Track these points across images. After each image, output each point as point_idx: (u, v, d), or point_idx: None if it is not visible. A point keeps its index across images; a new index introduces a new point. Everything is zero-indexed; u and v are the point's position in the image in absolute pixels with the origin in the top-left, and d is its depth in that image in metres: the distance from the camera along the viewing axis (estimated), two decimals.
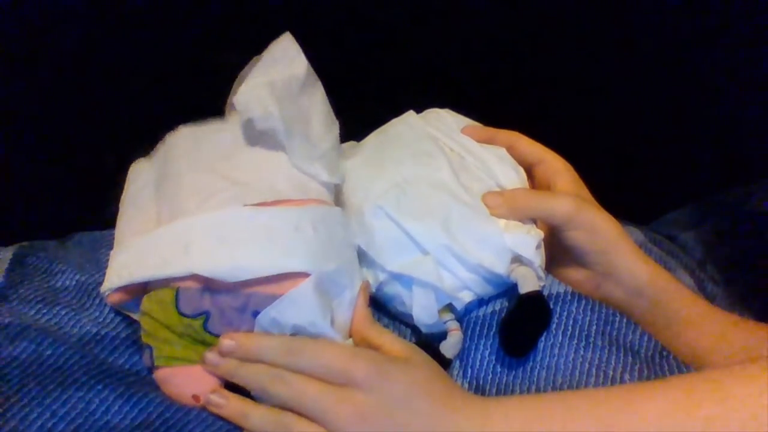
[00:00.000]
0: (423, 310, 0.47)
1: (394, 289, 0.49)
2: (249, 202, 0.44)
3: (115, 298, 0.45)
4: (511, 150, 0.53)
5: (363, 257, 0.50)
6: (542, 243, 0.49)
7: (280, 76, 0.48)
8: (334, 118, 0.52)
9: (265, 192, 0.45)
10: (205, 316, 0.43)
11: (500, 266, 0.47)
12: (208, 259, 0.42)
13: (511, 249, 0.47)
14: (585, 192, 0.53)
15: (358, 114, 0.55)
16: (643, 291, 0.49)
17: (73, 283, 0.51)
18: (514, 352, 0.46)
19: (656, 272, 0.49)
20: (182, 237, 0.43)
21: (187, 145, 0.49)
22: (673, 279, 0.50)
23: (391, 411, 0.40)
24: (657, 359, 0.48)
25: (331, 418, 0.40)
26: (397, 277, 0.48)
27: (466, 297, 0.48)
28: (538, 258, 0.48)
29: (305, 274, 0.44)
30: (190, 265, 0.42)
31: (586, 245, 0.49)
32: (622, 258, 0.49)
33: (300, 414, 0.41)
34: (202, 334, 0.43)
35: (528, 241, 0.48)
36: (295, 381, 0.41)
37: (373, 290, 0.50)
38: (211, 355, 0.43)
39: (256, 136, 0.48)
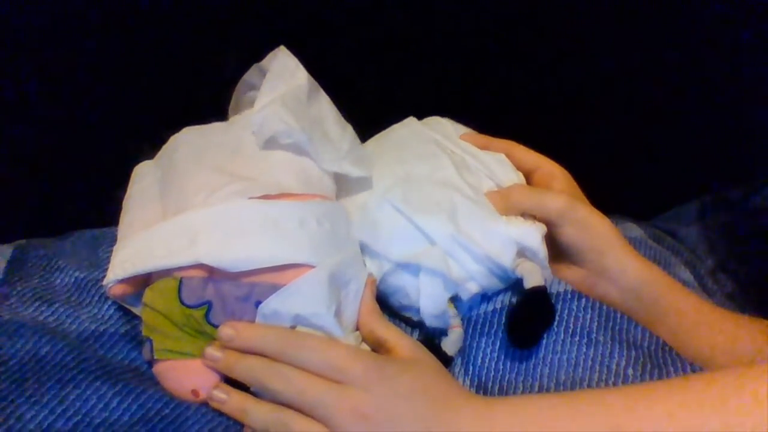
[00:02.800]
0: (430, 299, 0.47)
1: (399, 280, 0.49)
2: (254, 195, 0.45)
3: (117, 291, 0.45)
4: (507, 158, 0.54)
5: (366, 250, 0.50)
6: (544, 238, 0.49)
7: (286, 89, 0.50)
8: (343, 119, 0.54)
9: (270, 186, 0.46)
10: (208, 306, 0.43)
11: (506, 258, 0.47)
12: (214, 249, 0.43)
13: (517, 240, 0.48)
14: (580, 195, 0.53)
15: (358, 119, 0.55)
16: (638, 289, 0.49)
17: (72, 280, 0.51)
18: (520, 344, 0.46)
19: (651, 271, 0.49)
20: (188, 228, 0.44)
21: (192, 145, 0.50)
22: (669, 277, 0.50)
23: (391, 411, 0.40)
24: (659, 353, 0.47)
25: (331, 417, 0.40)
26: (404, 267, 0.48)
27: (473, 288, 0.48)
28: (542, 250, 0.48)
29: (309, 266, 0.44)
30: (195, 255, 0.42)
31: (579, 242, 0.50)
32: (616, 256, 0.49)
33: (299, 410, 0.40)
34: (204, 325, 0.43)
35: (532, 232, 0.48)
36: (295, 378, 0.41)
37: (377, 281, 0.49)
38: (211, 350, 0.43)
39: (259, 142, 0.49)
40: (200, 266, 0.43)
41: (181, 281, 0.43)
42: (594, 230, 0.49)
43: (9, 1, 0.69)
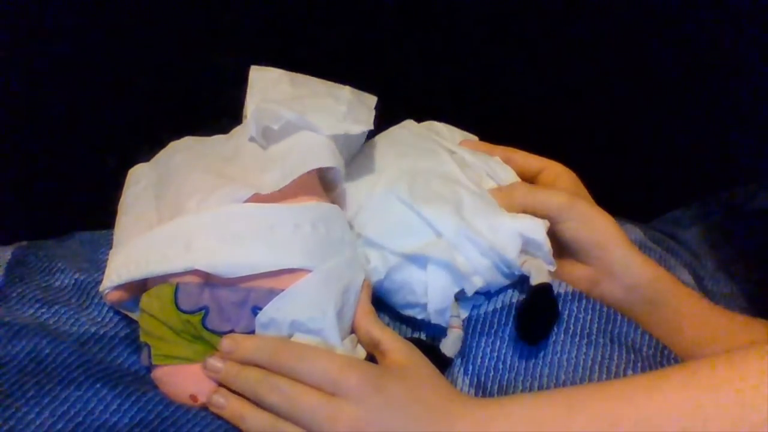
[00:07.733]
0: (437, 291, 0.47)
1: (405, 274, 0.49)
2: (248, 196, 0.45)
3: (114, 297, 0.45)
4: (511, 164, 0.55)
5: (371, 243, 0.49)
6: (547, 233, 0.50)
7: (266, 87, 0.50)
8: (339, 87, 0.53)
9: (261, 186, 0.45)
10: (204, 311, 0.43)
11: (511, 250, 0.47)
12: (209, 254, 0.43)
13: (521, 233, 0.48)
14: (585, 194, 0.54)
15: None
16: (641, 287, 0.49)
17: (72, 282, 0.51)
18: (530, 339, 0.46)
19: (653, 269, 0.50)
20: (183, 234, 0.44)
21: (190, 150, 0.50)
22: (671, 276, 0.50)
23: (386, 423, 0.40)
24: (658, 357, 0.47)
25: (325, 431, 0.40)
26: (411, 260, 0.48)
27: (478, 282, 0.48)
28: (546, 243, 0.48)
29: (305, 271, 0.44)
30: (190, 261, 0.42)
31: (581, 237, 0.50)
32: (618, 252, 0.49)
33: (295, 423, 0.41)
34: (201, 330, 0.44)
35: (536, 225, 0.48)
36: (289, 391, 0.41)
37: (382, 277, 0.49)
38: (213, 361, 0.43)
39: (261, 143, 0.49)
40: (196, 272, 0.43)
41: (177, 287, 0.43)
42: (596, 225, 0.49)
43: (10, 1, 0.69)
